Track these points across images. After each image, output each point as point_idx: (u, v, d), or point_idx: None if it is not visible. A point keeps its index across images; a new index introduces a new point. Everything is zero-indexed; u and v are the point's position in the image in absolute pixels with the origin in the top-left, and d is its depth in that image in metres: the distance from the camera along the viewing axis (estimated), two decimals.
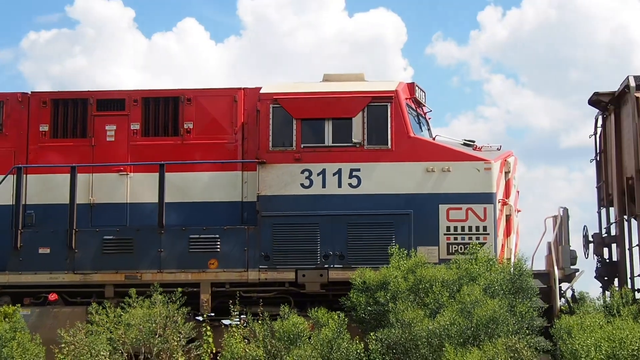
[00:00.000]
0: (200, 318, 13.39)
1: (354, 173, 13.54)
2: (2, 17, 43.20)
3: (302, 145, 13.68)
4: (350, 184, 13.53)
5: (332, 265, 13.38)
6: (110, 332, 12.05)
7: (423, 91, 14.57)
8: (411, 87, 14.16)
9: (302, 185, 13.62)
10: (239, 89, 14.49)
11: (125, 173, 14.35)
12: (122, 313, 12.27)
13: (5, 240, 14.03)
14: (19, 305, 13.29)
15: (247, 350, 11.56)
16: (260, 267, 13.51)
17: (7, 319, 12.20)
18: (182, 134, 14.38)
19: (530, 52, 40.65)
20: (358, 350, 11.24)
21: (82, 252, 13.87)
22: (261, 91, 14.07)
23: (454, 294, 11.33)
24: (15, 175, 14.18)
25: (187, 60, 40.11)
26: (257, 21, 41.20)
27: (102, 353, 11.68)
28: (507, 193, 13.71)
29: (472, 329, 10.81)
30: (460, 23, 43.38)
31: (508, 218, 13.65)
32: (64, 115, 14.62)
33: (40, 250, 13.92)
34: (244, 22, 44.12)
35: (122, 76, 38.92)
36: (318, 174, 13.61)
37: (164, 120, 14.48)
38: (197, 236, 13.71)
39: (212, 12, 44.75)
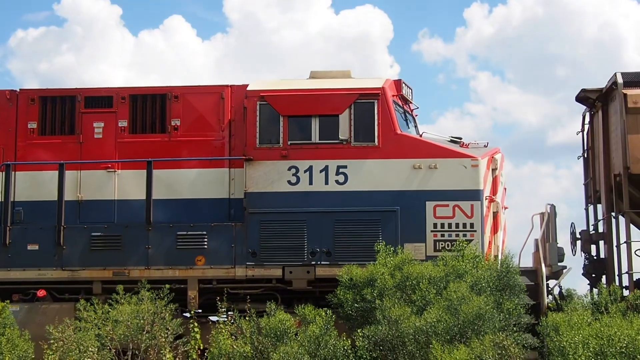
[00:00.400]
0: (187, 314, 13.04)
1: (341, 170, 13.19)
2: None
3: (289, 142, 13.32)
4: (337, 181, 13.17)
5: (319, 262, 13.02)
6: (99, 329, 11.79)
7: (410, 88, 14.24)
8: (398, 84, 13.81)
9: (289, 182, 13.26)
10: (226, 86, 14.12)
11: (113, 170, 13.99)
12: (110, 309, 11.97)
13: None
14: (8, 301, 12.95)
15: (235, 346, 11.27)
16: (248, 263, 13.15)
17: None
18: (170, 131, 14.02)
19: (516, 48, 40.25)
20: (345, 347, 10.92)
21: (70, 249, 13.51)
22: (248, 88, 13.70)
23: (441, 291, 11.00)
24: (3, 172, 13.86)
25: (174, 58, 39.68)
26: (244, 19, 40.79)
27: (90, 349, 11.43)
28: (494, 190, 13.37)
29: (459, 326, 10.49)
30: (447, 20, 42.94)
31: (495, 215, 13.29)
32: (52, 113, 14.26)
33: (29, 247, 13.58)
34: (230, 20, 43.64)
35: (109, 74, 38.46)
36: (305, 171, 13.25)
37: (151, 117, 14.11)
38: (185, 233, 13.35)
39: (198, 9, 44.30)
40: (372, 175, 13.11)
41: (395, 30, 41.20)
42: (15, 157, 14.12)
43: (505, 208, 13.99)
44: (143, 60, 40.32)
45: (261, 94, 13.49)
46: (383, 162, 13.13)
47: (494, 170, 13.37)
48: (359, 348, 10.89)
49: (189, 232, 13.35)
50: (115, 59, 39.86)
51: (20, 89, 14.50)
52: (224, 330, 11.58)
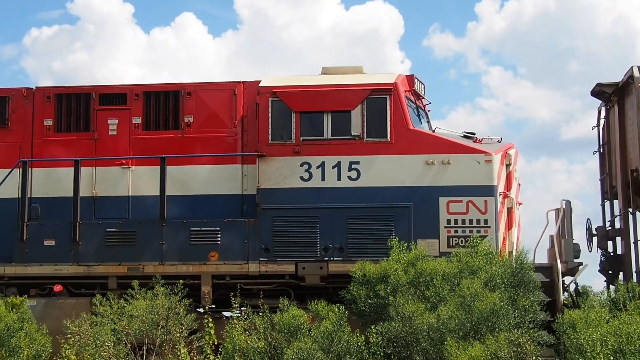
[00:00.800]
0: (201, 310, 12.74)
1: (353, 166, 12.81)
2: (5, 14, 42.45)
3: (301, 138, 12.96)
4: (349, 177, 12.80)
5: (331, 258, 12.66)
6: (114, 323, 11.51)
7: (422, 83, 13.82)
8: (410, 79, 13.40)
9: (301, 178, 12.89)
10: (238, 82, 13.78)
11: (127, 166, 13.72)
12: (125, 304, 11.67)
13: (11, 233, 13.45)
14: (26, 296, 12.76)
15: (249, 342, 10.93)
16: (261, 259, 12.82)
17: (14, 310, 11.68)
18: (183, 128, 13.70)
19: (529, 43, 39.44)
20: (359, 343, 10.54)
21: (86, 244, 13.26)
22: (260, 84, 13.35)
23: (455, 288, 10.60)
24: (20, 169, 13.62)
25: (185, 55, 39.35)
26: (254, 15, 40.39)
27: (106, 344, 11.16)
28: (508, 186, 12.94)
29: (473, 322, 10.10)
30: (458, 14, 42.32)
31: (509, 211, 12.87)
32: (67, 110, 13.99)
33: (46, 242, 13.35)
34: (241, 17, 43.21)
35: (122, 71, 38.20)
36: (317, 167, 12.89)
37: (164, 114, 13.81)
38: (198, 229, 13.04)
39: (209, 6, 43.97)
40: (384, 171, 12.73)
41: (406, 25, 40.65)
42: (31, 154, 13.92)
43: (520, 204, 13.57)
44: (155, 58, 40.05)
45: (273, 90, 13.14)
46: (396, 158, 12.74)
47: (507, 165, 12.95)
48: (373, 344, 10.52)
49: (203, 228, 13.04)
50: (127, 56, 39.61)
51: (36, 87, 14.28)
52: (237, 326, 11.26)
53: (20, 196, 13.59)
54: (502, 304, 10.12)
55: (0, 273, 13.26)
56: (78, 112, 13.95)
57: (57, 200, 13.64)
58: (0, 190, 13.54)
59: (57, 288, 13.19)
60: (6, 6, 42.24)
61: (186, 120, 13.69)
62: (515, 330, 9.89)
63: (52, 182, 13.77)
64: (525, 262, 11.23)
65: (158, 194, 13.22)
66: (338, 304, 11.06)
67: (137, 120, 13.80)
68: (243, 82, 13.74)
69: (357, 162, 12.81)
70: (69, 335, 11.25)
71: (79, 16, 46.86)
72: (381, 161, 12.76)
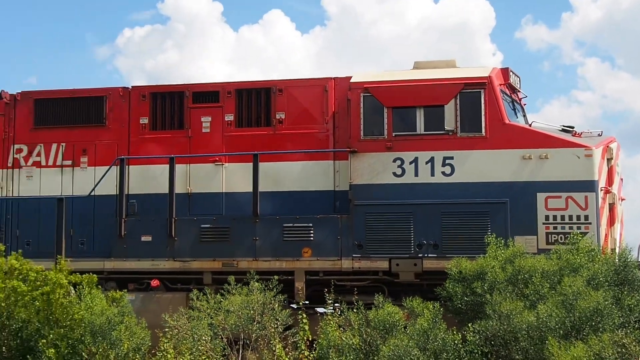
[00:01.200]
0: (294, 306, 12.78)
1: (447, 161, 12.64)
2: (99, 16, 43.57)
3: (393, 134, 12.86)
4: (443, 172, 12.64)
5: (426, 255, 12.53)
6: (211, 318, 11.61)
7: (517, 76, 13.53)
8: (505, 72, 13.15)
9: (394, 174, 12.80)
10: (330, 78, 13.79)
11: (220, 163, 13.89)
12: (222, 300, 11.80)
13: (110, 229, 13.80)
14: (126, 290, 12.99)
15: (343, 338, 10.90)
16: (354, 255, 12.79)
17: (115, 303, 11.94)
18: (275, 124, 13.78)
19: (627, 33, 38.13)
20: (455, 341, 10.39)
21: (181, 240, 13.48)
22: (352, 80, 13.31)
23: (555, 286, 10.32)
24: (118, 167, 13.91)
25: (273, 52, 39.64)
26: (342, 11, 40.36)
27: (203, 338, 11.26)
28: (610, 180, 12.55)
29: (574, 321, 9.82)
30: (551, 5, 41.23)
31: (611, 207, 12.48)
32: (162, 108, 14.25)
33: (143, 238, 13.64)
34: (328, 13, 43.31)
35: (211, 69, 38.72)
36: (410, 163, 12.77)
37: (256, 111, 13.92)
38: (291, 225, 13.10)
39: (297, 3, 44.15)
40: (479, 166, 12.51)
41: (497, 17, 39.89)
42: (128, 151, 14.22)
43: (622, 199, 13.15)
44: (243, 55, 40.48)
45: (365, 86, 13.07)
46: (491, 153, 12.51)
47: (609, 160, 12.56)
48: (470, 343, 10.34)
49: (295, 224, 13.09)
50: (216, 54, 40.15)
51: (132, 86, 14.59)
52: (332, 322, 11.24)
53: (117, 193, 13.88)
54: (606, 303, 9.81)
55: (100, 268, 13.60)
56: (172, 110, 14.19)
57: (153, 197, 13.90)
58: (98, 188, 13.85)
59: (155, 283, 13.50)
60: (100, 8, 43.44)
61: (278, 117, 13.77)
62: (620, 331, 9.56)
63: (148, 179, 14.05)
64: (629, 259, 10.86)
65: (251, 190, 13.31)
66: (433, 301, 10.96)
67: (229, 117, 13.95)
68: (334, 78, 13.73)
69: (451, 157, 12.64)
70: (166, 329, 11.39)
71: (170, 16, 47.79)
72: (476, 156, 12.55)
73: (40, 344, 10.59)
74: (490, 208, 12.39)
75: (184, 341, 11.23)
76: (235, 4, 44.33)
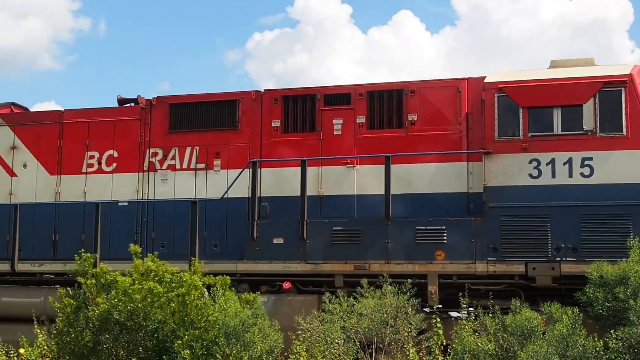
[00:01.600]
0: (427, 310, 13.02)
1: (586, 162, 12.61)
2: (230, 21, 45.02)
3: (529, 134, 12.93)
4: (582, 174, 12.61)
5: (564, 259, 12.53)
6: (344, 321, 11.92)
7: None
8: None
9: (530, 175, 12.86)
10: (463, 79, 14.01)
11: (352, 165, 14.28)
12: (354, 302, 12.14)
13: (243, 231, 14.33)
14: (259, 292, 13.49)
15: (479, 343, 11.04)
16: (489, 259, 12.92)
17: (248, 305, 12.42)
18: (407, 126, 14.09)
19: None
20: (597, 349, 10.39)
21: (313, 243, 13.86)
22: (485, 80, 13.45)
23: None
24: (250, 169, 14.44)
25: (402, 53, 39.88)
26: (472, 10, 40.26)
27: (336, 341, 11.58)
28: None
29: None
30: None
31: None
32: (293, 111, 14.76)
33: (275, 241, 14.07)
34: (458, 12, 43.23)
35: (340, 71, 39.32)
36: (547, 164, 12.80)
37: (388, 112, 14.26)
38: (424, 227, 13.32)
39: (427, 3, 44.26)
40: (620, 167, 12.42)
41: (636, 13, 38.69)
42: (260, 154, 14.76)
43: None
44: (372, 57, 40.94)
45: (499, 86, 13.20)
46: (633, 153, 12.40)
47: None
48: (612, 350, 10.32)
49: (428, 227, 13.28)
50: (345, 56, 40.76)
51: (264, 90, 15.10)
52: (467, 327, 11.40)
53: (250, 196, 14.43)
54: None
55: (233, 270, 14.05)
56: (304, 113, 14.68)
57: (285, 199, 14.38)
58: (231, 190, 14.42)
59: (287, 285, 13.91)
60: (230, 13, 44.96)
61: (410, 119, 14.06)
62: None
63: (279, 181, 14.55)
64: None
65: (382, 192, 13.59)
66: (572, 307, 10.98)
67: (361, 119, 14.34)
68: (467, 79, 13.92)
69: (590, 158, 12.60)
70: (299, 332, 11.78)
71: (299, 19, 48.93)
72: (617, 157, 12.47)
73: (176, 344, 10.86)
74: (632, 210, 12.27)
75: (317, 344, 11.52)
76: (364, 6, 44.95)
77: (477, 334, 11.23)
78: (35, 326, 13.20)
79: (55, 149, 16.09)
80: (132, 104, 16.03)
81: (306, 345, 11.71)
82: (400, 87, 14.22)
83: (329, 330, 11.64)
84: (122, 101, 16.16)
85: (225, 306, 11.50)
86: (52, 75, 52.29)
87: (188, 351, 10.90)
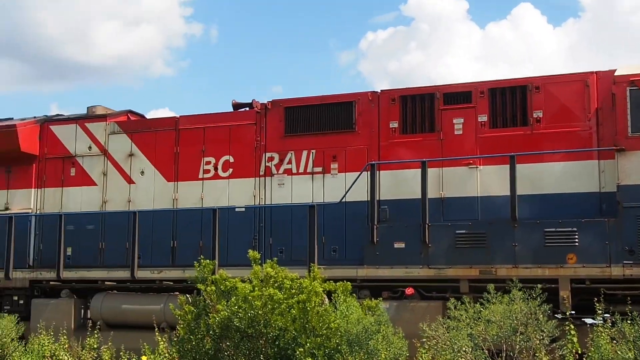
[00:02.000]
0: (559, 316, 12.68)
1: None
2: (343, 21, 45.31)
3: None
4: None
5: None
6: (471, 328, 11.74)
7: None
8: None
9: None
10: (591, 73, 13.62)
11: (474, 166, 14.09)
12: (481, 309, 11.95)
13: (362, 235, 14.32)
14: (381, 298, 13.46)
15: (618, 352, 10.69)
16: (625, 262, 12.49)
17: (370, 312, 12.40)
18: (532, 124, 13.81)
19: None
20: None
21: (436, 247, 13.71)
22: (616, 73, 13.07)
23: None
24: (369, 172, 14.42)
25: (522, 47, 39.18)
26: (597, 1, 39.07)
27: (464, 349, 11.42)
28: None
29: None
30: None
31: None
32: (412, 111, 14.67)
33: (395, 245, 13.98)
34: (582, 3, 42.14)
35: (457, 68, 38.97)
36: None
37: (511, 110, 14.01)
38: (553, 229, 12.98)
39: None
40: None
41: None
42: (378, 156, 14.72)
43: None
44: (490, 52, 40.43)
45: (631, 79, 12.81)
46: None
47: None
48: None
49: (558, 229, 12.96)
50: (461, 52, 40.39)
51: (381, 90, 15.09)
52: (603, 334, 11.08)
53: (369, 199, 14.37)
54: None
55: (353, 275, 14.02)
56: (423, 113, 14.57)
57: (405, 202, 14.30)
58: (349, 194, 14.45)
59: (409, 291, 13.78)
60: (343, 14, 45.32)
61: (535, 116, 13.77)
62: None
63: (399, 184, 14.48)
64: None
65: (508, 193, 13.33)
66: None
67: (482, 118, 14.13)
68: (596, 72, 13.54)
69: None
70: (424, 339, 11.63)
71: (413, 17, 48.83)
72: None
73: (298, 352, 10.85)
74: None
75: (443, 352, 11.35)
76: (481, 1, 44.42)
77: (614, 341, 10.89)
78: (157, 333, 13.51)
79: (172, 156, 16.48)
80: (247, 109, 16.27)
81: (432, 354, 11.61)
82: (524, 84, 13.96)
83: (456, 337, 11.46)
84: (237, 106, 16.42)
85: (347, 313, 11.47)
86: (165, 81, 53.95)
87: (310, 359, 10.87)
